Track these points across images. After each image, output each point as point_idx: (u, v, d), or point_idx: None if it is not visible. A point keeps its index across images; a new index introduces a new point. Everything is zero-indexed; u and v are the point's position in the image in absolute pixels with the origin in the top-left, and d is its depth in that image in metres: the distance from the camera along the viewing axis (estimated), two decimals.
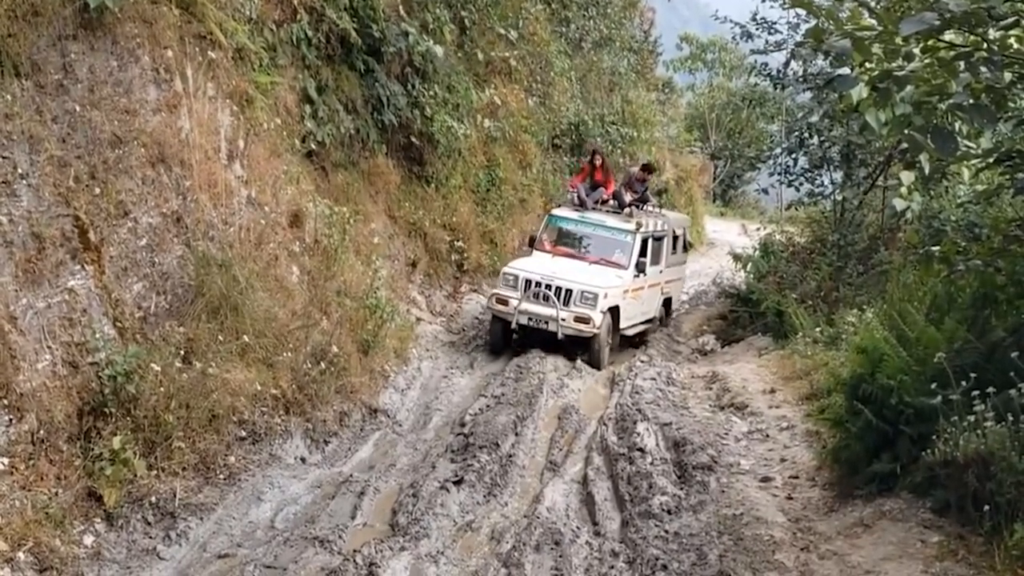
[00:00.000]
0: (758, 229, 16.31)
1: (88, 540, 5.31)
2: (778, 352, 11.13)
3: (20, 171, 5.57)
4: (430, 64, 11.96)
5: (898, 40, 3.90)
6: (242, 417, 6.81)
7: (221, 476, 6.33)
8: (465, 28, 13.85)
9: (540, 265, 11.52)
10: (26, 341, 5.44)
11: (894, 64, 4.17)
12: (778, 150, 14.84)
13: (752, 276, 14.91)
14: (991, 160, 5.77)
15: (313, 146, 9.89)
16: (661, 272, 13.22)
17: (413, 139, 12.11)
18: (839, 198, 13.39)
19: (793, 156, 14.03)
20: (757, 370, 10.56)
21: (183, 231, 7.03)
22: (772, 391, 9.51)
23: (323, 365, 7.80)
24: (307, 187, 9.25)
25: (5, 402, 5.21)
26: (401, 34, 11.09)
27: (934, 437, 5.32)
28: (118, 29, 6.52)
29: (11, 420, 5.22)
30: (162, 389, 6.03)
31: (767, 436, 8.20)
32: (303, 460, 7.23)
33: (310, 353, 7.82)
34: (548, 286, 11.01)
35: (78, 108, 6.11)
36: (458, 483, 6.68)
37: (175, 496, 5.85)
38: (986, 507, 4.93)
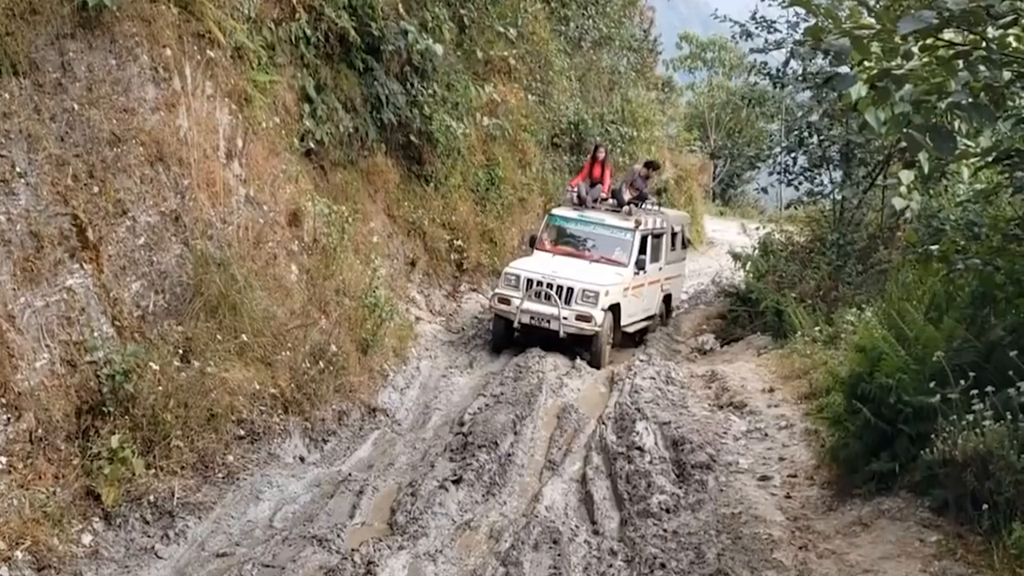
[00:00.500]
0: (757, 228, 16.28)
1: (86, 539, 5.31)
2: (777, 351, 11.14)
3: (18, 170, 5.57)
4: (429, 63, 11.96)
5: (897, 39, 3.88)
6: (240, 416, 6.81)
7: (219, 475, 6.33)
8: (464, 26, 13.83)
9: (541, 264, 11.60)
10: (24, 340, 5.44)
11: (893, 63, 4.16)
12: (777, 149, 14.81)
13: (751, 275, 14.88)
14: (990, 159, 5.78)
15: (312, 145, 9.88)
16: (661, 269, 13.28)
17: (412, 138, 12.11)
18: (838, 197, 13.36)
19: (792, 155, 14.01)
20: (756, 369, 10.56)
21: (181, 230, 7.02)
22: (771, 390, 9.51)
23: (322, 364, 7.80)
24: (306, 186, 9.24)
25: (3, 401, 5.21)
26: (400, 32, 11.08)
27: (933, 436, 5.32)
28: (116, 28, 6.51)
29: (9, 419, 5.22)
30: (160, 388, 6.03)
31: (766, 435, 8.20)
32: (302, 459, 7.23)
33: (309, 352, 7.81)
34: (550, 285, 11.09)
35: (76, 107, 6.10)
36: (457, 482, 6.68)
37: (173, 495, 5.84)
38: (985, 506, 4.94)
